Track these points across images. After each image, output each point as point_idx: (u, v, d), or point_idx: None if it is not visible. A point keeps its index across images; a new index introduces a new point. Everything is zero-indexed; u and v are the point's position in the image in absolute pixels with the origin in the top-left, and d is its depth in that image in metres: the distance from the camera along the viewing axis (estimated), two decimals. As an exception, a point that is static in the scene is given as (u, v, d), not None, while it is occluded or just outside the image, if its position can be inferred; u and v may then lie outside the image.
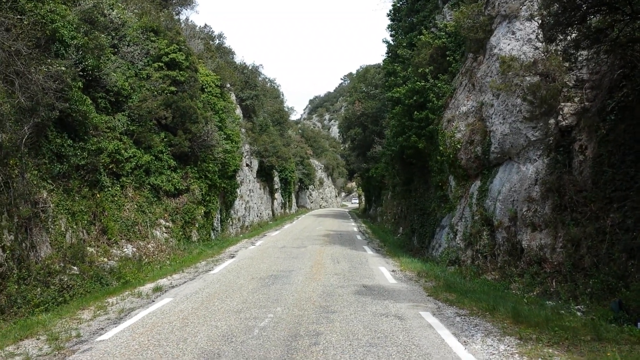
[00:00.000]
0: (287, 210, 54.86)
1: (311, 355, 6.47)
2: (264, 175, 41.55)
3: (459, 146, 15.04)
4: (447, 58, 16.83)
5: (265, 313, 8.89)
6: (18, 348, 7.22)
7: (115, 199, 17.72)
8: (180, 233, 20.38)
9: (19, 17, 11.46)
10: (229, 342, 7.08)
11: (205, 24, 44.47)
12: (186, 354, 6.65)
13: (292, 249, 19.77)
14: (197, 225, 21.67)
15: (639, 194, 10.06)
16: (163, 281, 13.11)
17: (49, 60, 11.78)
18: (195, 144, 21.46)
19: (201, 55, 27.36)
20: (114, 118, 18.75)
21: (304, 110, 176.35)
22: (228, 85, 30.07)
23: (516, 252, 12.66)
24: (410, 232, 21.96)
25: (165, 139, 20.69)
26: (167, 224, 20.11)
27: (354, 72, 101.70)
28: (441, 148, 15.79)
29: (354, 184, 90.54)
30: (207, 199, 22.82)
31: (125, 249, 16.69)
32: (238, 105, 32.13)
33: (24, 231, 12.24)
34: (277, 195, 49.01)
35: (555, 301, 10.06)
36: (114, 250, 16.04)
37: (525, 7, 14.33)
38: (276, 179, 47.18)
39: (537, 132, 12.87)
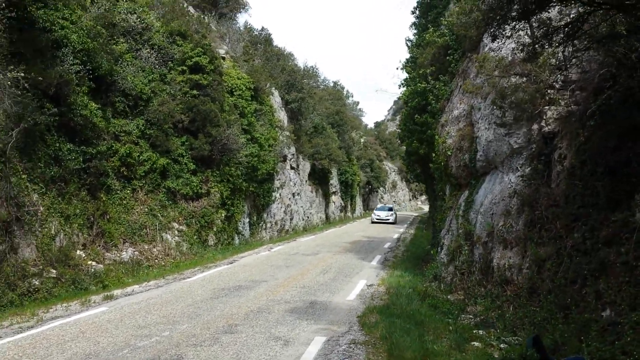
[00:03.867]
0: (349, 214, 54.23)
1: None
2: (317, 178, 41.28)
3: (449, 153, 13.98)
4: (448, 57, 15.72)
5: (164, 330, 8.63)
6: None
7: (124, 202, 18.08)
8: (195, 237, 20.51)
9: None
10: (79, 361, 6.87)
11: (262, 27, 44.93)
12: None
13: (300, 256, 19.39)
14: (214, 229, 21.75)
15: (600, 212, 8.75)
16: (133, 288, 13.21)
17: (11, 67, 12.07)
18: (216, 147, 21.52)
19: (238, 59, 27.54)
20: (132, 121, 19.18)
21: (388, 111, 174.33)
22: (272, 88, 30.07)
23: (489, 270, 11.53)
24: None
25: (186, 143, 20.92)
26: (181, 227, 20.32)
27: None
28: (434, 155, 14.76)
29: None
30: (229, 202, 22.85)
31: (124, 253, 16.99)
32: (282, 108, 32.08)
33: (3, 234, 12.69)
34: (336, 198, 48.54)
35: (496, 329, 8.98)
36: (109, 254, 16.36)
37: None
38: (333, 181, 46.73)
39: (520, 139, 11.64)
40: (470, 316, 10.00)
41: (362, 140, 68.84)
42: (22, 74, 12.01)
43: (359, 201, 61.53)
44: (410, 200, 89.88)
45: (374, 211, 46.33)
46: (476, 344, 7.78)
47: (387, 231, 33.67)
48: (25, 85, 12.27)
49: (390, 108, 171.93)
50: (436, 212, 17.91)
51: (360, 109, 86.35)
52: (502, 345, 7.95)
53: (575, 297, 8.32)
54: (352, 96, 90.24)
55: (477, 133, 12.77)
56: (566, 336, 7.58)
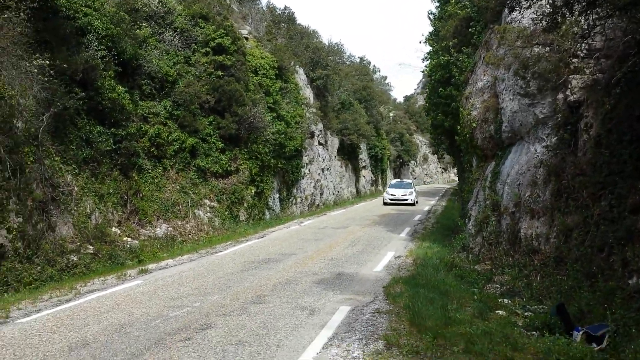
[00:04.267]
0: (380, 188, 54.17)
1: (158, 354, 6.38)
2: (346, 153, 41.33)
3: (474, 125, 13.87)
4: (470, 29, 15.49)
5: (195, 301, 8.93)
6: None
7: (156, 180, 18.53)
8: (227, 213, 20.90)
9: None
10: (114, 333, 7.21)
11: (285, 6, 44.72)
12: (63, 341, 6.88)
13: (329, 229, 19.63)
14: (245, 205, 22.13)
15: (626, 180, 8.66)
16: (167, 262, 13.59)
17: (37, 55, 12.44)
18: (243, 126, 21.76)
19: (261, 38, 27.60)
20: (159, 103, 19.57)
21: (418, 84, 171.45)
22: (297, 66, 30.07)
23: (516, 240, 11.52)
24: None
25: (213, 122, 21.23)
26: (212, 204, 20.72)
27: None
28: (458, 127, 14.68)
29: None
30: (259, 179, 23.18)
31: (158, 229, 17.48)
32: (308, 86, 32.09)
33: (40, 213, 13.21)
34: (366, 172, 48.58)
35: (522, 298, 9.04)
36: (144, 230, 16.86)
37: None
38: (363, 156, 46.73)
39: (545, 109, 11.50)
40: (497, 286, 10.05)
41: (391, 114, 68.39)
42: (47, 62, 12.39)
43: (389, 175, 61.42)
44: (442, 172, 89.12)
45: (387, 189, 35.58)
46: (500, 312, 7.86)
47: (418, 203, 33.57)
48: (51, 72, 12.64)
49: (420, 81, 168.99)
50: (464, 184, 17.86)
51: (388, 83, 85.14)
52: (526, 314, 8.01)
53: (601, 266, 8.30)
54: (380, 71, 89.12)
55: (502, 104, 12.64)
56: (591, 304, 7.60)
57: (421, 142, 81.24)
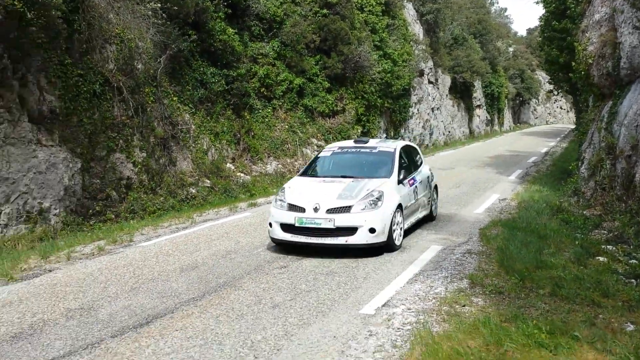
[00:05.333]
0: (497, 128, 52.09)
1: (256, 278, 6.92)
2: (459, 91, 39.98)
3: (590, 61, 12.85)
4: (591, -48, 14.05)
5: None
6: (84, 247, 8.93)
7: (266, 120, 19.31)
8: (333, 151, 21.32)
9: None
10: (220, 259, 7.92)
11: None
12: (176, 263, 7.72)
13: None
14: (351, 144, 22.42)
15: None
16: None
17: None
18: (348, 65, 21.78)
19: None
20: (267, 44, 20.06)
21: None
22: (405, 1, 29.19)
23: (631, 185, 10.80)
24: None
25: (319, 62, 21.44)
26: (320, 142, 21.24)
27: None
28: (574, 63, 13.69)
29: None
30: (365, 119, 23.32)
31: (268, 166, 18.36)
32: (417, 21, 31.08)
33: (161, 149, 14.40)
34: (480, 111, 46.78)
35: (628, 246, 8.59)
36: (255, 167, 17.81)
37: None
38: (477, 94, 44.92)
39: (672, 41, 10.42)
40: (604, 232, 9.59)
41: (510, 49, 64.54)
42: (159, 5, 13.13)
43: (507, 114, 58.71)
44: (567, 112, 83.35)
45: (289, 182, 9.45)
46: (601, 258, 7.54)
47: (536, 145, 32.09)
48: (164, 15, 13.39)
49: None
50: (579, 125, 16.80)
51: (507, 15, 79.72)
52: (631, 261, 7.64)
53: None
54: (498, 2, 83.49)
55: (620, 38, 11.58)
56: None
57: (544, 79, 76.16)
